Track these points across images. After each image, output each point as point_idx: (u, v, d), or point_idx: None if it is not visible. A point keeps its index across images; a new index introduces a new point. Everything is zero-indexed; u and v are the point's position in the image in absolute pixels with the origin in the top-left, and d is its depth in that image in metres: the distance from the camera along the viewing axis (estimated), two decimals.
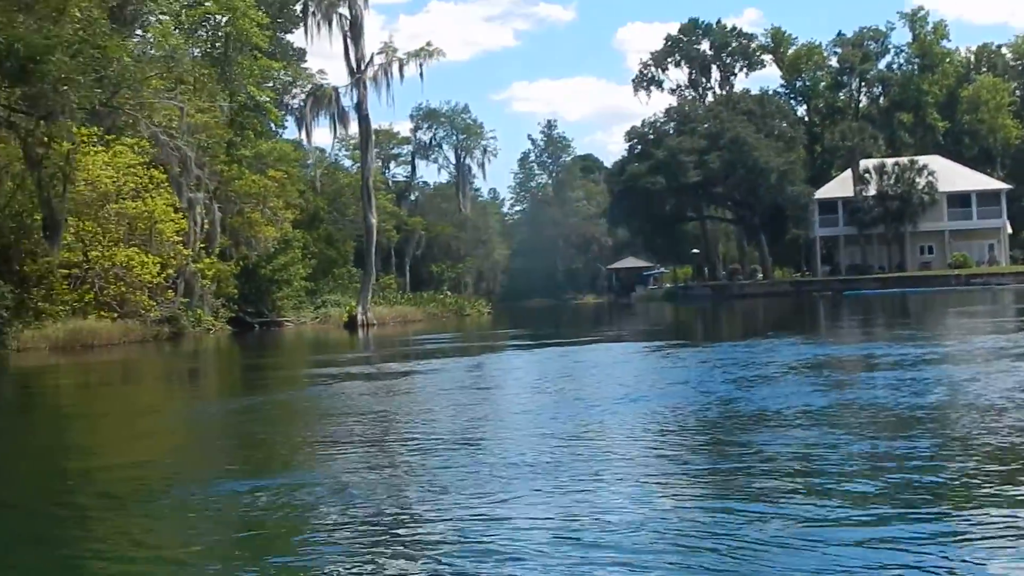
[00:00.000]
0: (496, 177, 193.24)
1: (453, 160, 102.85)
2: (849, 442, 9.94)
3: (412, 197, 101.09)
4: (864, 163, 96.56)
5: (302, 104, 68.75)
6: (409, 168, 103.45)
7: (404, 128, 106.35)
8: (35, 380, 27.89)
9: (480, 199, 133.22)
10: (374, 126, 66.47)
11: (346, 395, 18.55)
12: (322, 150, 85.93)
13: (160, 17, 58.42)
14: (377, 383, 21.51)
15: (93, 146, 42.98)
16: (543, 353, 29.21)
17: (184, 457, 12.27)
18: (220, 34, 64.96)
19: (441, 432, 12.72)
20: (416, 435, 12.60)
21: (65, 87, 35.71)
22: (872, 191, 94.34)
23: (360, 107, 60.82)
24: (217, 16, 62.89)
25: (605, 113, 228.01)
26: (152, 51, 51.30)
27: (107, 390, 24.81)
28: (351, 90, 60.85)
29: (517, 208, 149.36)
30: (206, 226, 49.45)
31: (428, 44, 63.37)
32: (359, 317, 56.86)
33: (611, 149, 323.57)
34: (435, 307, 73.72)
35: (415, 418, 14.46)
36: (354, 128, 63.56)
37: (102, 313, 42.02)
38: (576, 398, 16.04)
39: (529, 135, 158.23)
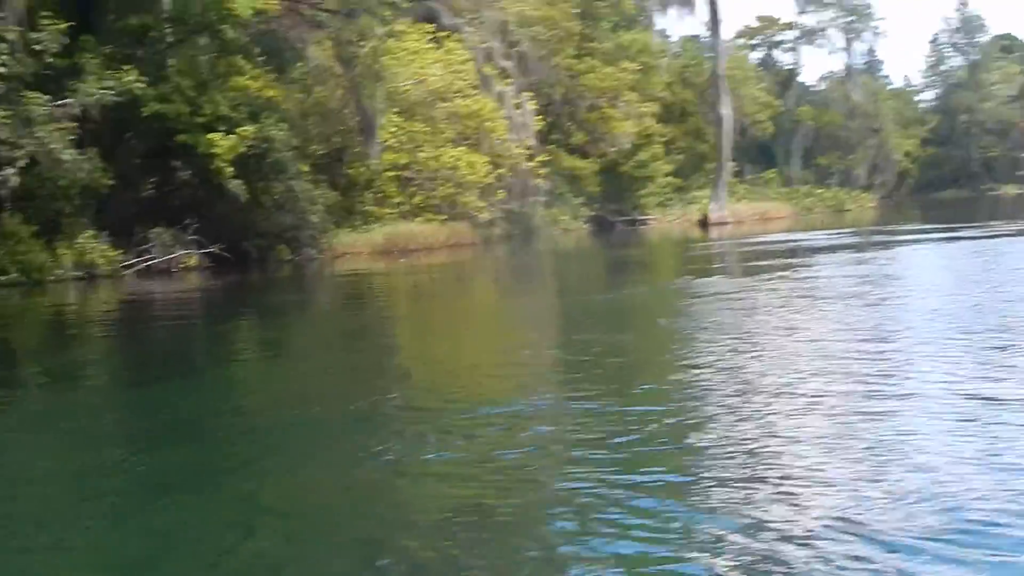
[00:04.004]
0: (899, 63, 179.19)
1: (842, 45, 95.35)
2: None
3: (798, 86, 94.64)
4: None
5: None
6: (793, 55, 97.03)
7: (789, 14, 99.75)
8: (364, 282, 27.27)
9: (888, 84, 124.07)
10: (757, 13, 61.62)
11: (699, 299, 16.35)
12: (696, 38, 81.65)
13: None
14: (728, 288, 18.77)
15: (400, 40, 41.68)
16: (941, 250, 25.44)
17: (524, 363, 11.17)
18: None
19: (813, 344, 10.70)
20: (784, 349, 10.66)
21: None
22: None
23: None
24: None
25: None
26: None
27: (447, 289, 24.38)
28: None
29: (928, 94, 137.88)
30: (523, 121, 47.23)
31: None
32: (713, 215, 53.12)
33: None
34: (811, 201, 68.43)
35: (779, 328, 12.38)
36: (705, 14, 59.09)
37: (429, 216, 40.99)
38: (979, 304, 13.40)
39: (943, 16, 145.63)
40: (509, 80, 47.47)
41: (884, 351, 9.85)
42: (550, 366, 10.85)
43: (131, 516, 5.78)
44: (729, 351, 10.47)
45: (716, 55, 56.29)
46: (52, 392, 10.91)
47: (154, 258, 31.07)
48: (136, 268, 30.54)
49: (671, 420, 7.33)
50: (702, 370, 9.38)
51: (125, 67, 29.60)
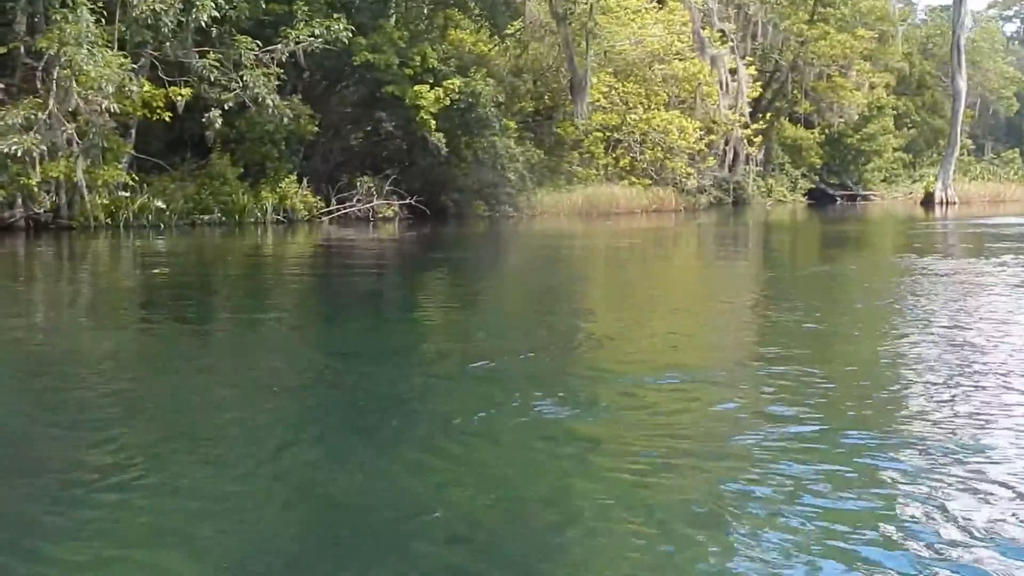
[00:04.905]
0: None
1: None
2: None
3: None
4: None
5: None
6: None
7: None
8: (561, 242, 26.82)
9: None
10: None
11: (911, 278, 14.98)
12: (946, 8, 77.24)
13: None
14: (945, 270, 16.97)
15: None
16: None
17: (717, 331, 10.61)
18: None
19: None
20: (994, 338, 9.40)
21: None
22: None
23: None
24: None
25: None
26: None
27: (647, 254, 23.31)
28: None
29: None
30: (739, 87, 45.65)
31: None
32: (937, 194, 50.40)
33: None
34: None
35: (993, 317, 10.98)
36: None
37: (634, 180, 40.29)
38: None
39: None
40: (727, 43, 46.00)
41: None
42: (743, 336, 10.24)
43: (290, 448, 5.78)
44: (933, 334, 9.59)
45: (956, 23, 52.87)
46: (240, 326, 11.12)
47: (353, 206, 31.55)
48: (334, 215, 31.11)
49: (855, 401, 6.81)
50: (899, 351, 8.72)
51: (336, 15, 29.92)
